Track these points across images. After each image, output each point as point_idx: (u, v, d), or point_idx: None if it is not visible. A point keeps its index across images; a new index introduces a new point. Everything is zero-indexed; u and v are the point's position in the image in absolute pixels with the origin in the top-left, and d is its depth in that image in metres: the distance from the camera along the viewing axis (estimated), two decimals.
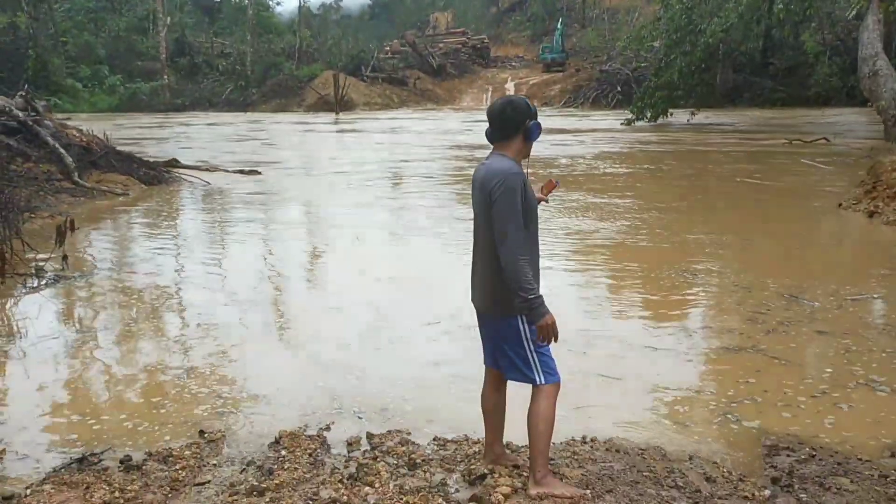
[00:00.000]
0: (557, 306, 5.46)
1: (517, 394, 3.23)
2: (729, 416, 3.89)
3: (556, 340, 2.94)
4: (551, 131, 24.04)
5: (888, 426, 3.76)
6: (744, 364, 4.61)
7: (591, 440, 3.60)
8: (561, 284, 6.57)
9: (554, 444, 3.34)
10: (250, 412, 4.03)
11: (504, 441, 3.35)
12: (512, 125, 3.04)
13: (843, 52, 35.98)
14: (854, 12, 21.55)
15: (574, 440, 3.61)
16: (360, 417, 3.94)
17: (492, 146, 3.09)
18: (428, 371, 4.59)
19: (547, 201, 3.52)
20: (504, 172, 2.91)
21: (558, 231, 8.93)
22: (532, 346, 2.98)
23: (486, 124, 3.10)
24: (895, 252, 7.82)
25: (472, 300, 3.17)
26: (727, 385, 4.32)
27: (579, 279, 6.94)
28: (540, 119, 3.07)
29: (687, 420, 3.88)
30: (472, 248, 3.16)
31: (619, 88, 42.86)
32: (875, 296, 6.15)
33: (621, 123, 27.95)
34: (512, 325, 2.99)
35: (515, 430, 3.29)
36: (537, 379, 3.01)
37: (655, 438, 3.66)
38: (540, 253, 3.12)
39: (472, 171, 3.13)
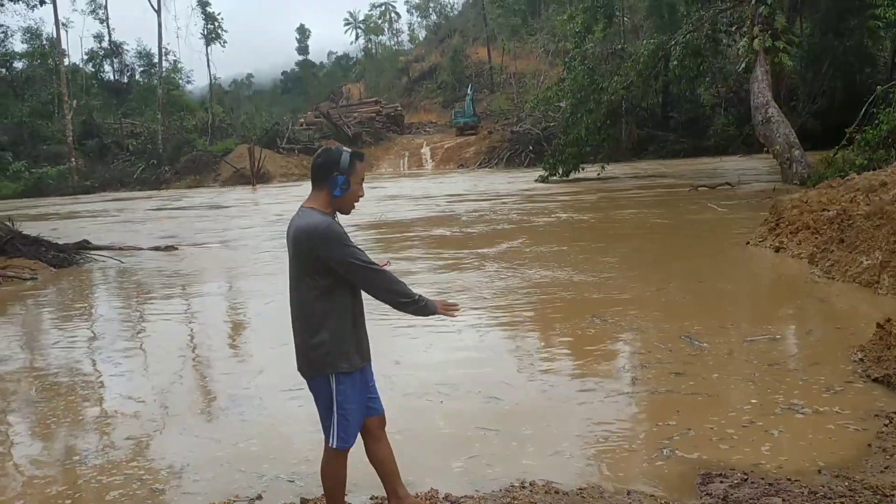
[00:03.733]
0: (482, 357, 5.44)
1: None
2: (664, 451, 3.94)
3: (457, 309, 3.13)
4: (465, 198, 24.48)
5: (818, 447, 3.87)
6: (667, 402, 4.68)
7: (530, 484, 3.58)
8: (484, 334, 6.60)
9: (493, 490, 3.31)
10: (178, 491, 3.84)
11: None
12: (321, 174, 3.00)
13: (737, 102, 38.29)
14: (743, 65, 22.98)
15: (513, 486, 3.58)
16: (290, 481, 3.81)
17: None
18: None
19: None
20: (312, 229, 2.89)
21: (478, 282, 9.01)
22: (337, 409, 3.00)
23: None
24: (800, 285, 8.19)
25: None
26: (657, 422, 4.38)
27: (499, 327, 6.98)
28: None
29: (622, 458, 3.91)
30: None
31: (531, 147, 44.15)
32: (774, 336, 6.40)
33: (535, 180, 28.69)
34: (322, 384, 3.02)
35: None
36: (330, 440, 3.05)
37: (593, 477, 3.67)
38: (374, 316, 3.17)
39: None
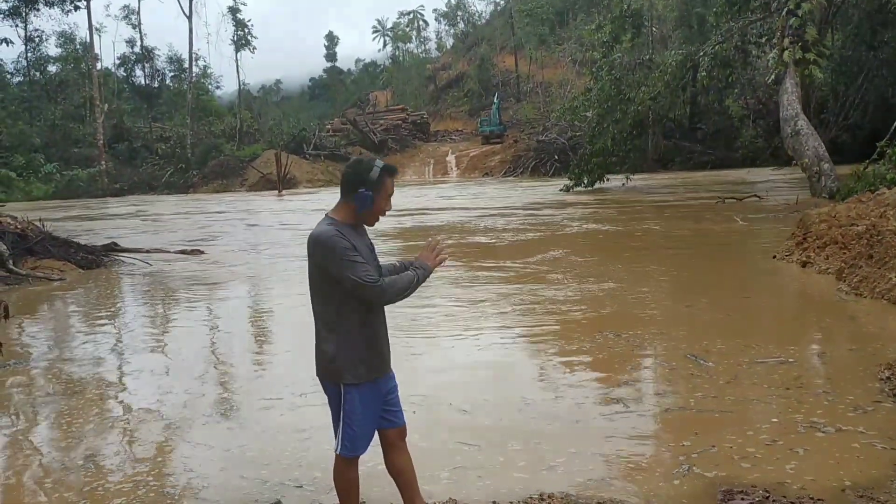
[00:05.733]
0: (501, 372, 5.41)
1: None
2: (683, 467, 3.89)
3: (444, 255, 3.20)
4: (485, 212, 24.45)
5: (844, 466, 3.80)
6: (686, 420, 4.61)
7: (549, 496, 3.56)
8: (505, 348, 6.58)
9: (511, 502, 3.29)
10: (193, 497, 3.86)
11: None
12: (349, 188, 2.98)
13: (766, 114, 37.87)
14: (773, 77, 22.75)
15: (531, 498, 3.56)
16: (298, 487, 3.82)
17: None
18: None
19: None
20: (315, 238, 2.92)
21: (493, 292, 8.99)
22: (343, 417, 3.03)
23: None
24: (827, 302, 8.06)
25: None
26: (675, 440, 4.31)
27: (523, 343, 6.96)
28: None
29: (641, 474, 3.86)
30: None
31: (556, 157, 44.08)
32: (790, 359, 6.30)
33: (560, 190, 28.60)
34: (332, 391, 3.06)
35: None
36: (336, 446, 3.08)
37: (612, 492, 3.63)
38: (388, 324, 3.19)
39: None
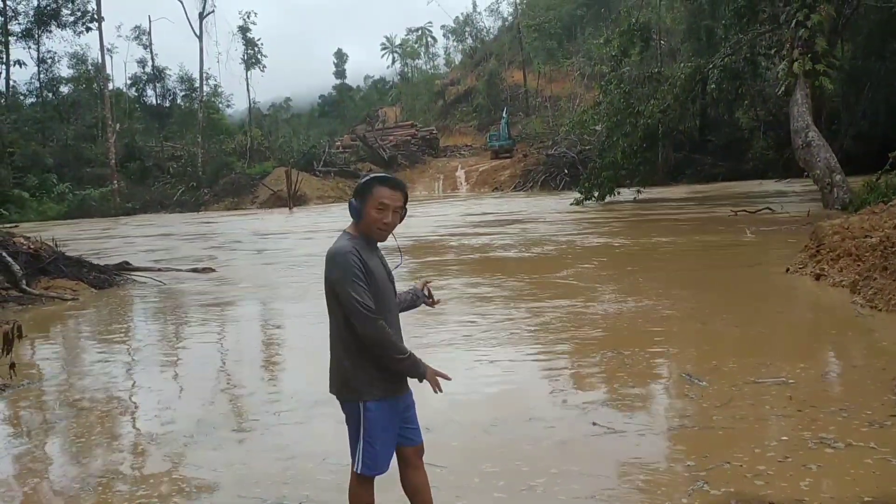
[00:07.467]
0: (511, 388, 5.35)
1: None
2: (698, 483, 3.84)
3: (448, 378, 3.04)
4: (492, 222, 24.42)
5: (862, 482, 3.75)
6: (694, 439, 4.55)
7: None
8: (515, 366, 6.55)
9: None
10: None
11: None
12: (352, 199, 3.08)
13: (776, 126, 37.81)
14: (783, 89, 22.71)
15: None
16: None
17: None
18: None
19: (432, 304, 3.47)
20: (330, 253, 2.94)
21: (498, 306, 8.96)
22: (364, 435, 2.99)
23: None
24: (841, 315, 7.97)
25: None
26: (686, 458, 4.25)
27: (529, 360, 6.92)
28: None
29: (654, 492, 3.81)
30: None
31: (566, 171, 44.12)
32: (803, 375, 6.23)
33: (570, 204, 28.58)
34: (350, 409, 3.02)
35: None
36: (356, 466, 3.04)
37: None
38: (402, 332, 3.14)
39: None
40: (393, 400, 3.05)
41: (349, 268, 2.87)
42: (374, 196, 2.97)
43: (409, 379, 3.13)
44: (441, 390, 3.01)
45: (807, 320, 8.25)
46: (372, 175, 3.07)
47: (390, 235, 3.09)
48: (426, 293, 3.41)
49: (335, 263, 2.91)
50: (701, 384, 5.55)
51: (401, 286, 3.35)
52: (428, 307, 3.47)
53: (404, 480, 3.22)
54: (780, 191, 28.18)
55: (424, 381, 3.03)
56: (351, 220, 3.06)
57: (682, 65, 31.36)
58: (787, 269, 10.45)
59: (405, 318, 3.29)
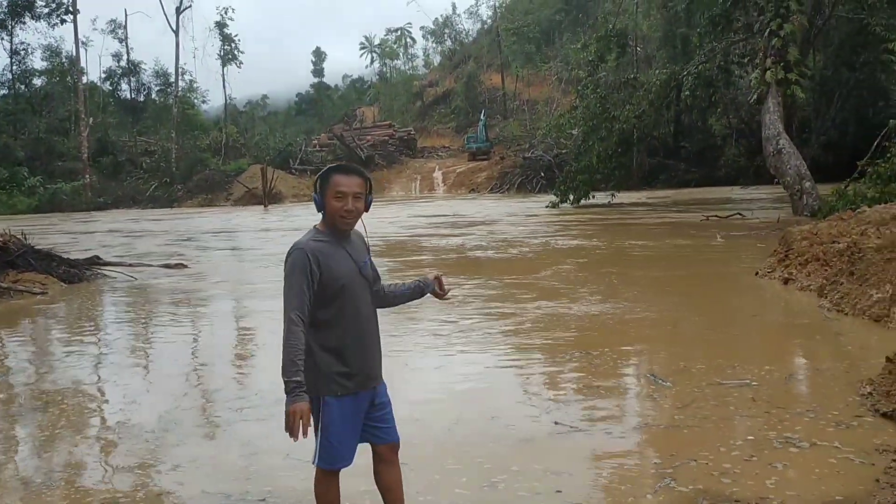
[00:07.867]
0: (482, 387, 5.35)
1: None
2: (665, 480, 3.87)
3: (296, 435, 2.79)
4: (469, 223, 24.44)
5: (827, 481, 3.80)
6: (660, 438, 4.59)
7: None
8: (477, 366, 6.57)
9: None
10: None
11: None
12: None
13: (748, 133, 38.35)
14: (755, 97, 23.02)
15: None
16: None
17: None
18: None
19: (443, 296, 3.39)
20: (290, 249, 2.95)
21: (477, 309, 8.98)
22: (322, 429, 2.99)
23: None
24: (808, 318, 8.09)
25: None
26: (653, 456, 4.30)
27: (498, 360, 6.94)
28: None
29: (621, 489, 3.84)
30: None
31: (542, 174, 44.33)
32: (769, 377, 6.31)
33: (546, 206, 28.71)
34: (313, 402, 2.98)
35: None
36: (313, 459, 3.05)
37: None
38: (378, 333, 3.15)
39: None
40: (353, 396, 3.02)
41: (295, 264, 2.91)
42: (330, 185, 2.98)
43: (382, 374, 3.16)
44: (294, 438, 2.81)
45: (775, 323, 8.35)
46: (328, 166, 3.08)
47: (362, 228, 3.09)
48: (437, 285, 3.32)
49: (287, 257, 2.96)
50: (665, 385, 5.60)
51: (396, 280, 3.34)
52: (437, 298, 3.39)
53: (377, 476, 3.21)
54: (751, 197, 28.54)
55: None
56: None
57: (657, 71, 31.67)
58: (757, 273, 10.59)
59: (389, 313, 3.28)
